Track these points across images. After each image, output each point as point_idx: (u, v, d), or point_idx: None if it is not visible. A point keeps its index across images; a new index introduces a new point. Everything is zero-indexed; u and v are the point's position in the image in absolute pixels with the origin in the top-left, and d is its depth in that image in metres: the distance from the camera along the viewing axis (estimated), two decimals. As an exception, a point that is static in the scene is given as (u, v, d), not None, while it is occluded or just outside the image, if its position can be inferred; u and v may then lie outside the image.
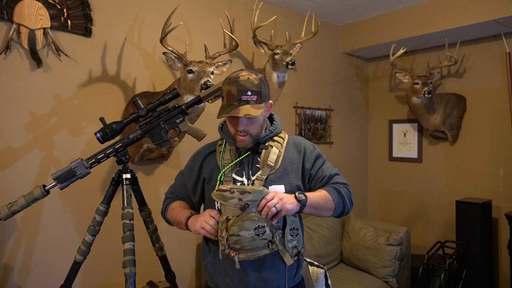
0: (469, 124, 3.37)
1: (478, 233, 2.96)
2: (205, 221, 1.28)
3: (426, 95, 3.12)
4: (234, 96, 1.28)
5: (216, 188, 1.27)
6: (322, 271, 2.24)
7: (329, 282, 2.26)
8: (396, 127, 3.88)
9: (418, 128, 3.69)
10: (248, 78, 1.30)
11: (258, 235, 1.20)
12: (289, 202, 1.24)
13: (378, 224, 3.20)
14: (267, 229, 1.21)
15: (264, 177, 1.34)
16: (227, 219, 1.23)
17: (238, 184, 1.35)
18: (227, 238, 1.22)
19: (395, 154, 3.89)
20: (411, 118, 3.69)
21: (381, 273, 2.90)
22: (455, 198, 3.21)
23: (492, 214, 3.14)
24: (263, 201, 1.21)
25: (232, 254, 1.22)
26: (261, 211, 1.22)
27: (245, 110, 1.26)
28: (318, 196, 1.33)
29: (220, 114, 1.30)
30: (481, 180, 3.29)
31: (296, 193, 1.28)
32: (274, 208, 1.20)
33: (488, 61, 3.25)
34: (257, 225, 1.20)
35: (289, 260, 1.31)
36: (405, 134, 3.81)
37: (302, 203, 1.27)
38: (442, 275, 2.73)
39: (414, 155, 3.74)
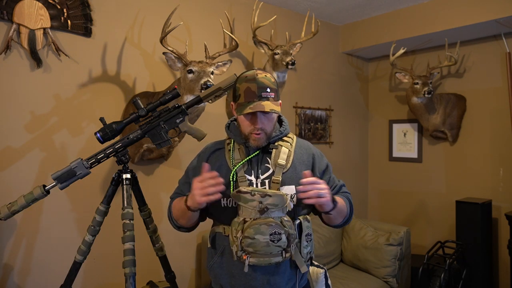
0: (469, 124, 3.37)
1: (478, 233, 2.96)
2: (199, 188, 1.21)
3: (426, 95, 3.12)
4: (254, 93, 1.27)
5: (236, 190, 1.26)
6: (322, 271, 2.24)
7: (329, 282, 2.25)
8: (396, 127, 3.88)
9: (418, 128, 3.69)
10: (266, 76, 1.31)
11: (273, 241, 1.18)
12: (327, 192, 1.23)
13: (378, 224, 3.20)
14: (283, 236, 1.20)
15: (279, 179, 1.31)
16: (244, 221, 1.22)
17: (247, 183, 1.33)
18: (241, 240, 1.20)
19: (395, 154, 3.89)
20: (411, 118, 3.69)
21: (381, 273, 2.90)
22: (455, 198, 3.21)
23: (492, 214, 3.14)
24: (312, 179, 1.19)
25: (244, 257, 1.21)
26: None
27: (269, 105, 1.26)
28: (340, 201, 1.35)
29: (241, 110, 1.27)
30: (481, 180, 3.29)
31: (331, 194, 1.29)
32: (319, 191, 1.19)
33: (488, 61, 3.25)
34: (273, 231, 1.18)
35: (304, 268, 1.30)
36: (405, 134, 3.81)
37: (334, 207, 1.28)
38: (442, 275, 2.73)
39: (414, 155, 3.74)
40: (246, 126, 1.33)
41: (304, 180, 1.20)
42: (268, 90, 1.28)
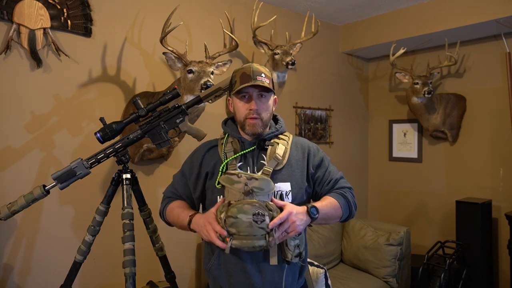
0: (469, 124, 3.37)
1: (478, 233, 2.96)
2: (208, 230, 1.23)
3: (426, 95, 3.12)
4: (249, 76, 1.32)
5: (225, 171, 1.27)
6: (322, 271, 2.24)
7: (329, 282, 2.26)
8: (396, 127, 3.88)
9: (418, 128, 3.69)
10: (260, 65, 1.37)
11: (256, 221, 1.17)
12: (300, 223, 1.22)
13: (378, 224, 3.20)
14: (266, 218, 1.18)
15: (270, 170, 1.31)
16: (229, 203, 1.22)
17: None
18: (224, 220, 1.19)
19: (395, 154, 3.89)
20: (411, 118, 3.69)
21: (381, 273, 2.90)
22: (455, 198, 3.21)
23: (492, 214, 3.14)
24: (277, 220, 1.18)
25: (227, 239, 1.19)
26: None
27: (262, 83, 1.31)
28: (328, 205, 1.32)
29: (236, 89, 1.33)
30: (481, 180, 3.29)
31: (309, 207, 1.26)
32: (285, 232, 1.20)
33: (488, 61, 3.25)
34: (256, 211, 1.17)
35: (273, 259, 1.27)
36: (405, 134, 3.81)
37: (313, 218, 1.26)
38: (442, 275, 2.73)
39: (414, 155, 3.74)
40: (241, 108, 1.35)
41: (271, 223, 1.18)
42: (263, 75, 1.33)
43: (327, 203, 1.33)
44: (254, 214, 1.17)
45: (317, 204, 1.30)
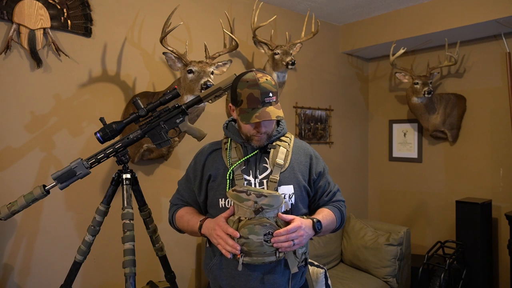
0: (469, 124, 3.38)
1: (478, 233, 2.96)
2: (220, 238, 1.23)
3: (426, 95, 3.12)
4: (257, 99, 1.27)
5: (232, 188, 1.26)
6: (322, 271, 2.24)
7: (329, 282, 2.26)
8: (396, 127, 3.88)
9: (418, 128, 3.69)
10: (267, 79, 1.30)
11: (267, 241, 1.19)
12: (307, 237, 1.25)
13: (378, 224, 3.20)
14: None
15: (277, 178, 1.33)
16: (239, 220, 1.22)
17: (245, 183, 1.34)
18: (236, 239, 1.20)
19: (395, 154, 3.89)
20: (411, 118, 3.69)
21: (381, 273, 2.90)
22: (455, 198, 3.21)
23: (492, 214, 3.14)
24: (283, 231, 1.20)
25: (238, 256, 1.21)
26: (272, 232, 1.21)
27: (274, 112, 1.28)
28: (328, 219, 1.36)
29: (249, 119, 1.27)
30: (481, 180, 3.29)
31: (314, 221, 1.28)
32: (291, 241, 1.20)
33: (488, 61, 3.25)
34: (267, 231, 1.19)
35: (294, 268, 1.30)
36: (405, 134, 3.81)
37: (317, 232, 1.29)
38: (442, 275, 2.73)
39: (414, 155, 3.74)
40: (249, 129, 1.35)
41: (277, 231, 1.20)
42: (271, 94, 1.29)
43: (327, 217, 1.36)
44: (265, 234, 1.19)
45: (320, 218, 1.32)
